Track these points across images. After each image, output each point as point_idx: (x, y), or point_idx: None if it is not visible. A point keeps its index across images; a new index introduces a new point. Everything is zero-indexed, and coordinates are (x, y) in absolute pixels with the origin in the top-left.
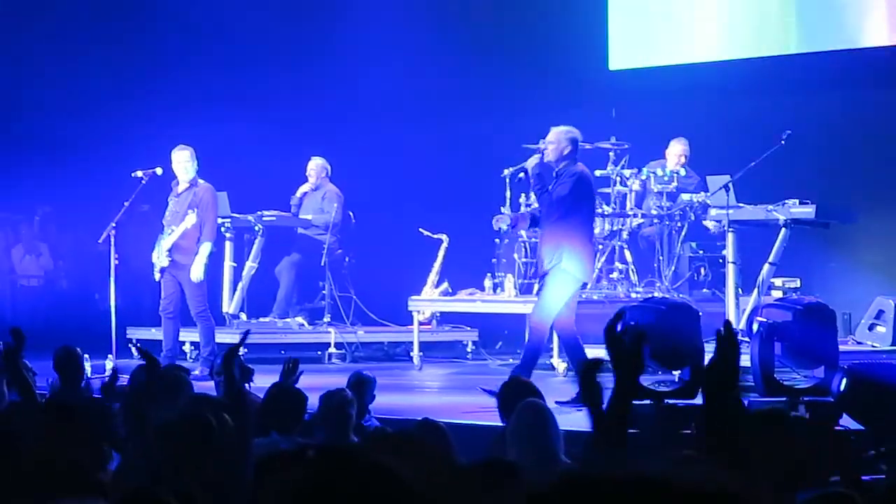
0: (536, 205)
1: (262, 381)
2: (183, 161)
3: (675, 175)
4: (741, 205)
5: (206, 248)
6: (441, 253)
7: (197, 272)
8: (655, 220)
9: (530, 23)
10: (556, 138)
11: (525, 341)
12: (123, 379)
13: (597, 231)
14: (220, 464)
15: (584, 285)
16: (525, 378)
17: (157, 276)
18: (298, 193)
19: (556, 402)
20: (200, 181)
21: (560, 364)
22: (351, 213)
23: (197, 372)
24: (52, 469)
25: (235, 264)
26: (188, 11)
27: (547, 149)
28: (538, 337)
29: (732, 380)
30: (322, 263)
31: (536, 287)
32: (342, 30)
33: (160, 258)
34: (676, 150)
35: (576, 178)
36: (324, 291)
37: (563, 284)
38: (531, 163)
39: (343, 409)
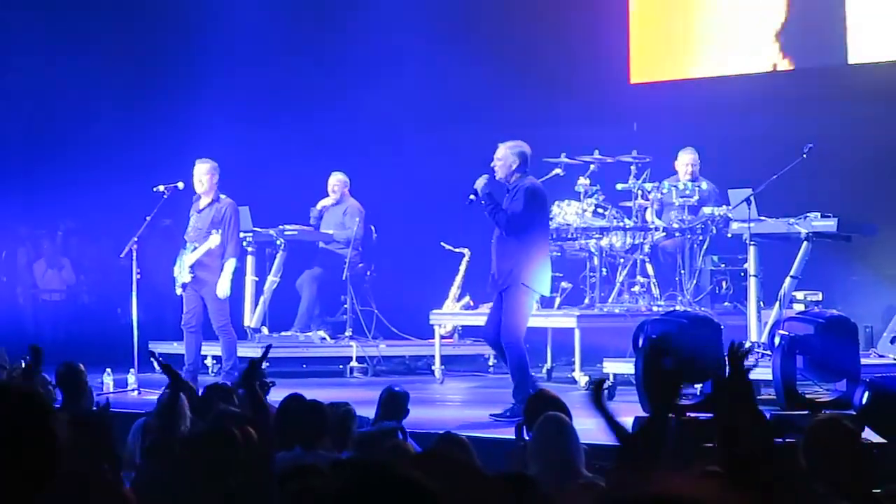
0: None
1: (282, 395)
2: (199, 174)
3: (697, 188)
4: (763, 218)
5: (230, 265)
6: (463, 267)
7: (223, 289)
8: (677, 234)
9: (552, 37)
10: (504, 154)
11: (509, 363)
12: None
13: (618, 245)
14: (243, 476)
15: (542, 297)
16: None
17: (178, 290)
18: (319, 206)
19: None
20: (222, 196)
21: (582, 377)
22: (373, 228)
23: None
24: (79, 483)
25: (257, 278)
26: (211, 27)
27: (495, 166)
28: (517, 354)
29: (748, 392)
30: (343, 277)
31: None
32: (363, 44)
33: (182, 274)
34: (685, 160)
35: (529, 192)
36: (345, 305)
37: (525, 300)
38: (480, 183)
39: (343, 422)
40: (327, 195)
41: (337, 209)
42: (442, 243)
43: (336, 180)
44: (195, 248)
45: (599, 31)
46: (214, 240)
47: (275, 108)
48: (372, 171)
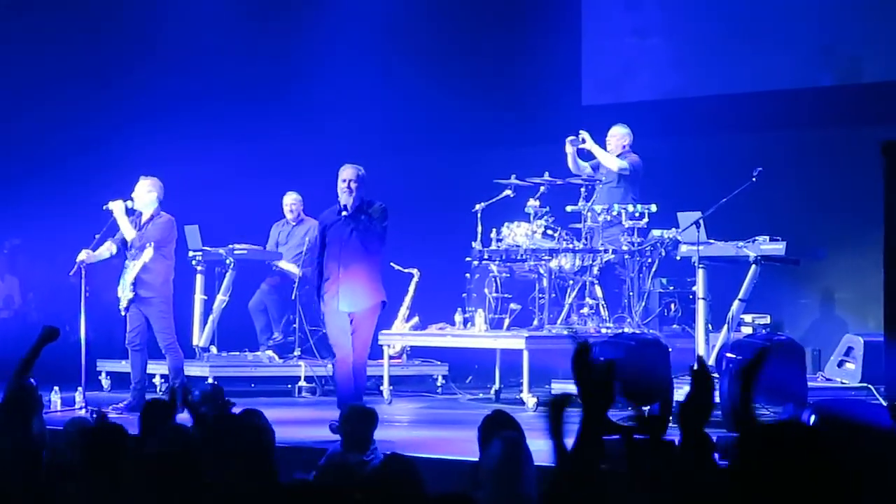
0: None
1: None
2: (139, 191)
3: (647, 211)
4: (712, 241)
5: (148, 252)
6: (412, 287)
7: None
8: (626, 256)
9: (504, 57)
10: (357, 175)
11: (348, 383)
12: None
13: (567, 266)
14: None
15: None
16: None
17: (122, 311)
18: (275, 233)
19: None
20: (163, 213)
21: (530, 398)
22: None
23: None
24: None
25: (206, 297)
26: (160, 43)
27: (350, 186)
28: (365, 374)
29: (707, 416)
30: (293, 297)
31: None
32: (316, 63)
33: (125, 292)
34: (616, 134)
35: (386, 211)
36: (294, 325)
37: (377, 316)
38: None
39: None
40: (281, 216)
41: (298, 230)
42: (391, 263)
43: (292, 199)
44: (133, 267)
45: (552, 52)
46: (148, 253)
47: (225, 126)
48: (321, 192)
